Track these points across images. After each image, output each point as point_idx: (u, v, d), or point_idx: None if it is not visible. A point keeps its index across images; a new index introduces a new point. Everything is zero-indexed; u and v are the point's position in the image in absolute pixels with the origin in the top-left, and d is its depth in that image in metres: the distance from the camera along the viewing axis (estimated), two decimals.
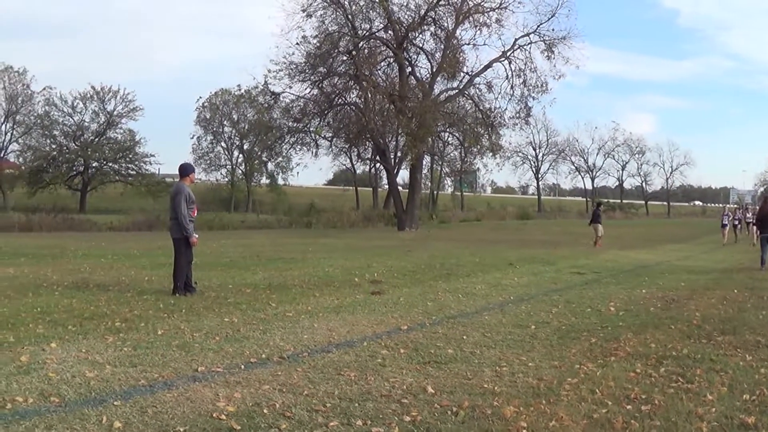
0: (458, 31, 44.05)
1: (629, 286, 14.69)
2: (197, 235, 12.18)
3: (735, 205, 69.02)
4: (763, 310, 11.18)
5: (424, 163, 59.60)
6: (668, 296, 13.02)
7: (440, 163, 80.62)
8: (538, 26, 43.80)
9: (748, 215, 40.93)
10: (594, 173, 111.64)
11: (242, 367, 6.85)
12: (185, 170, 12.29)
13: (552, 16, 43.48)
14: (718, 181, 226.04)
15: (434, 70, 44.06)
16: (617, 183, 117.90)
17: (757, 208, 30.05)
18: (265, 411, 5.43)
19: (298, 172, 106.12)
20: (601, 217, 30.32)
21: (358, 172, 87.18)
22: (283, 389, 6.07)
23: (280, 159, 71.97)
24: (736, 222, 39.09)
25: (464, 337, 8.70)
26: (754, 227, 28.11)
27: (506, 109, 45.74)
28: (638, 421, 5.32)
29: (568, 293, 13.32)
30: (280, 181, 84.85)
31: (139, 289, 12.52)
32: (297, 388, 6.12)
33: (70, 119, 71.36)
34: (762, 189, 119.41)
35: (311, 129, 45.47)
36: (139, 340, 7.96)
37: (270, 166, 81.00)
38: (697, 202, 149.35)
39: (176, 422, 5.15)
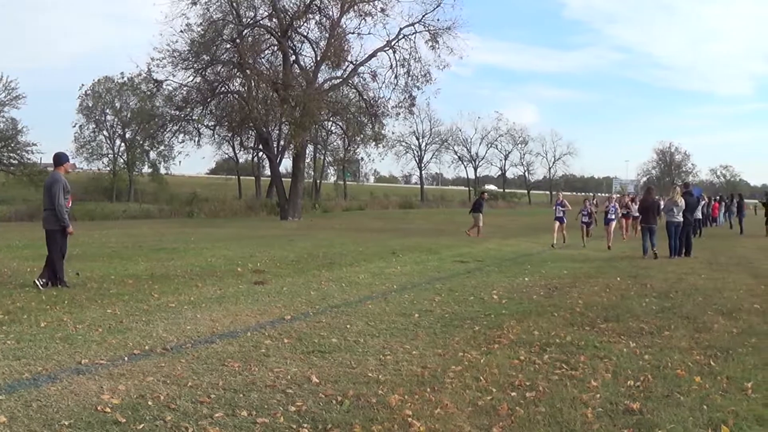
0: (343, 20, 44.28)
1: (512, 274, 15.04)
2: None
3: (614, 194, 53.62)
4: (645, 297, 11.59)
5: (308, 152, 59.53)
6: (551, 284, 13.37)
7: (323, 152, 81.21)
8: (424, 16, 44.59)
9: (609, 206, 25.85)
10: (477, 163, 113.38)
11: (126, 359, 6.79)
12: (60, 159, 12.00)
13: (437, 6, 44.34)
14: (602, 171, 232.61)
15: (318, 58, 44.07)
16: (500, 172, 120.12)
17: (636, 198, 30.62)
18: (149, 403, 5.41)
19: (180, 161, 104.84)
20: (483, 207, 30.68)
21: (240, 161, 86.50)
22: (167, 381, 6.05)
23: (163, 148, 70.66)
24: (585, 218, 25.69)
25: (348, 326, 8.81)
26: (613, 223, 26.91)
27: (390, 98, 46.46)
28: (523, 408, 5.46)
29: (451, 282, 13.58)
30: (162, 171, 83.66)
31: (22, 281, 12.22)
32: (181, 379, 6.11)
33: None
34: (645, 179, 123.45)
35: (194, 117, 44.85)
36: (22, 333, 7.83)
37: (152, 154, 79.93)
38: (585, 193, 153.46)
39: (61, 416, 5.09)
